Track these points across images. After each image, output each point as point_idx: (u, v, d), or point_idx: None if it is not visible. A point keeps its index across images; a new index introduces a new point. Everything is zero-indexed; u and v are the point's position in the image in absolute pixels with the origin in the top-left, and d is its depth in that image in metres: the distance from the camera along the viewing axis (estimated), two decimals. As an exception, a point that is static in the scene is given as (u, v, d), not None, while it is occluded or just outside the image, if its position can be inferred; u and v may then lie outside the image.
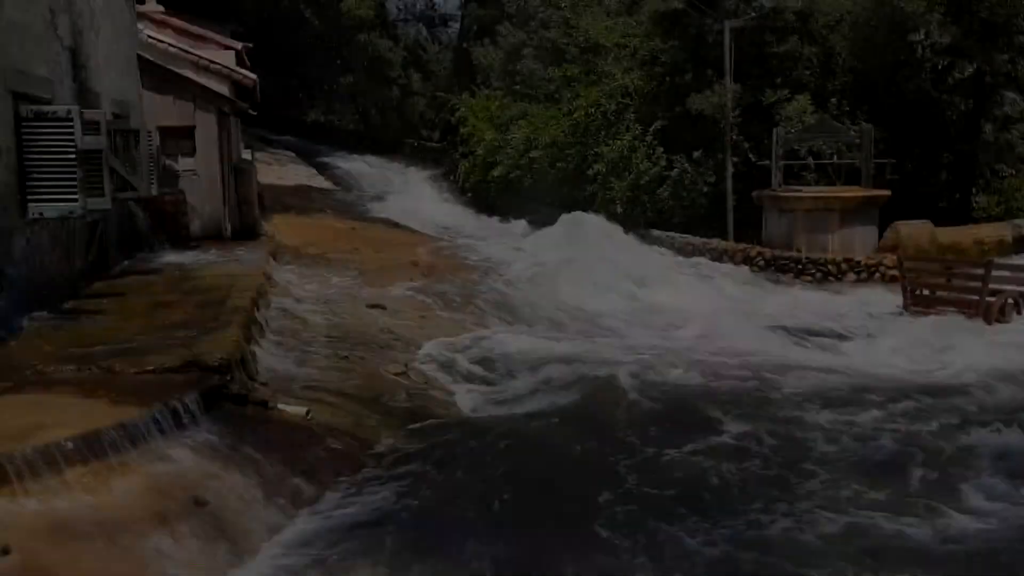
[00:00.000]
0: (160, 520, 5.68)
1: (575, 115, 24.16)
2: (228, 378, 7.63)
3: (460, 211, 28.57)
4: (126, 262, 13.82)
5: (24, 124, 8.90)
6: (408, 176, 33.93)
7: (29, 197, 8.88)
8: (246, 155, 29.37)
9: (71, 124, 8.99)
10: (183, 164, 16.55)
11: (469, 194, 30.28)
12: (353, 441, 7.92)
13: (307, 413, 8.04)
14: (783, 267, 18.67)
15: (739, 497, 7.19)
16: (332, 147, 41.16)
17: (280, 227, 20.55)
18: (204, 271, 12.90)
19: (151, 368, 7.49)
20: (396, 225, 23.95)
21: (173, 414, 6.71)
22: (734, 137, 20.91)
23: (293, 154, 37.73)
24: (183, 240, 15.55)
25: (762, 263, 19.08)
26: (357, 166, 35.48)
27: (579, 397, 9.64)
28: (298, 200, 26.36)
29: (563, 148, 24.27)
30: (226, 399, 7.49)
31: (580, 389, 9.91)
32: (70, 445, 5.78)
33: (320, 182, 32.05)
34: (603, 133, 23.34)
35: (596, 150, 23.14)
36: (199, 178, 16.58)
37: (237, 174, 18.96)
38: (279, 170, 33.15)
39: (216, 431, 7.00)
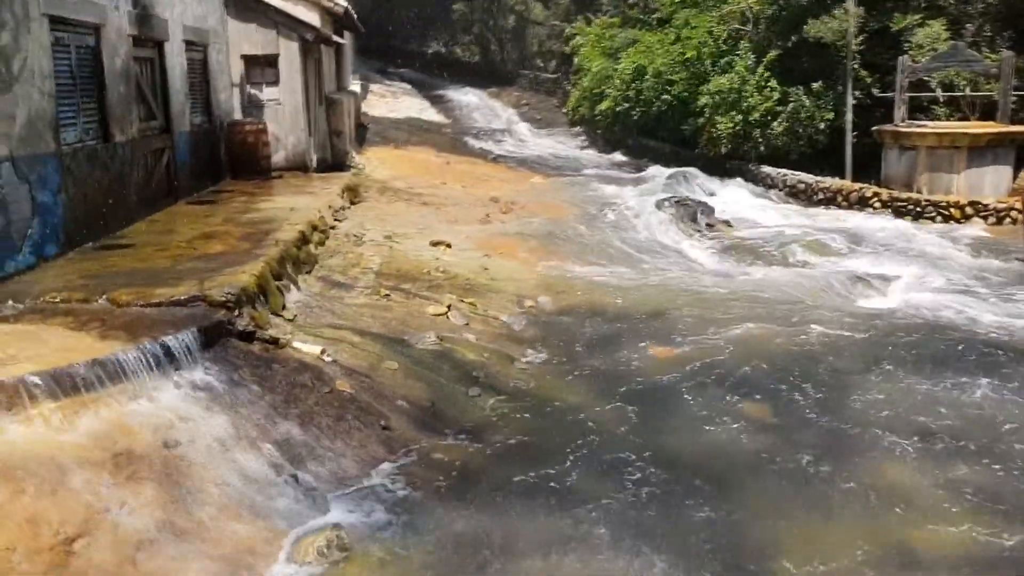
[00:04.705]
0: (117, 462, 5.41)
1: (685, 44, 22.74)
2: (235, 313, 7.33)
3: (565, 145, 27.69)
4: (206, 190, 13.83)
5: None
6: (519, 109, 33.20)
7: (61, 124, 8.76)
8: (355, 87, 29.41)
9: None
10: (268, 94, 16.40)
11: (577, 127, 29.34)
12: (366, 384, 7.50)
13: (322, 352, 7.67)
14: (900, 209, 17.06)
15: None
16: (449, 79, 40.84)
17: (373, 160, 20.34)
18: (269, 203, 12.71)
19: (157, 301, 7.26)
20: (494, 160, 23.37)
21: (164, 350, 6.43)
22: (856, 67, 19.11)
23: (409, 86, 37.62)
24: (264, 171, 15.43)
25: (878, 204, 17.53)
26: (469, 98, 34.99)
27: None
28: (402, 133, 26.10)
29: (671, 78, 22.92)
30: (231, 335, 7.19)
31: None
32: (36, 380, 5.57)
33: (430, 115, 31.74)
34: (712, 63, 21.88)
35: (704, 85, 21.70)
36: (283, 108, 16.41)
37: (329, 105, 18.78)
38: (392, 102, 33.07)
39: (212, 369, 6.71)
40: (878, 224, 16.33)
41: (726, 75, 21.09)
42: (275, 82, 16.35)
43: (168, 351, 6.42)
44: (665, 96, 22.85)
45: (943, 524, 5.84)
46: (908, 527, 5.85)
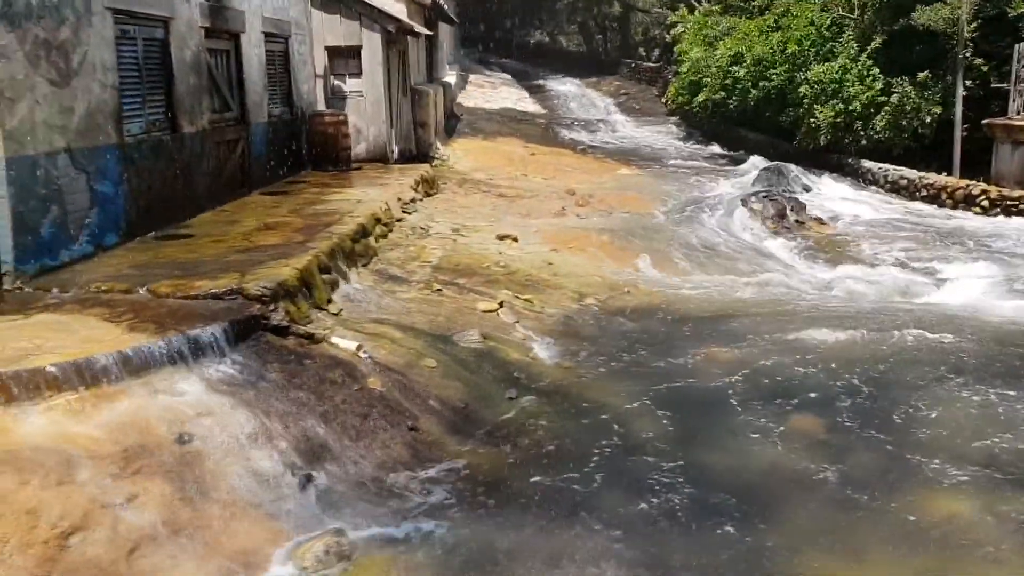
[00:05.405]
0: (127, 456, 5.41)
1: (786, 33, 21.80)
2: (270, 308, 7.30)
3: (661, 136, 27.04)
4: (282, 181, 14.00)
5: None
6: (616, 99, 32.66)
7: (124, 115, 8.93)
8: (451, 78, 29.47)
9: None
10: (350, 85, 16.51)
11: (675, 117, 28.65)
12: (399, 382, 7.35)
13: (358, 349, 7.57)
14: (1011, 208, 15.90)
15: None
16: (550, 69, 40.69)
17: (459, 151, 20.28)
18: (340, 194, 12.77)
19: (194, 293, 7.30)
20: (582, 151, 22.99)
21: (191, 343, 6.43)
22: (967, 56, 17.90)
23: (508, 76, 37.61)
24: (343, 162, 15.56)
25: (986, 203, 16.38)
26: (567, 88, 34.68)
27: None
28: (493, 124, 25.99)
29: (769, 66, 22.01)
30: (265, 330, 7.17)
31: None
32: (54, 371, 5.64)
33: (526, 105, 31.55)
34: (814, 52, 20.90)
35: (804, 74, 20.73)
36: (365, 99, 16.49)
37: (414, 96, 18.81)
38: (489, 92, 33.08)
39: (239, 364, 6.68)
40: (984, 224, 15.31)
41: (826, 63, 20.12)
42: (358, 73, 16.46)
43: (195, 344, 6.42)
44: (763, 83, 21.97)
45: (1008, 569, 5.27)
46: (965, 569, 5.30)
